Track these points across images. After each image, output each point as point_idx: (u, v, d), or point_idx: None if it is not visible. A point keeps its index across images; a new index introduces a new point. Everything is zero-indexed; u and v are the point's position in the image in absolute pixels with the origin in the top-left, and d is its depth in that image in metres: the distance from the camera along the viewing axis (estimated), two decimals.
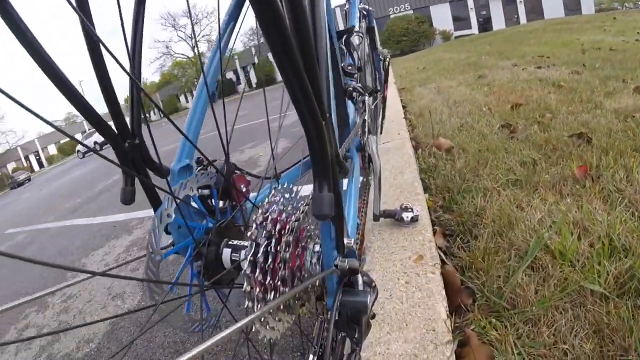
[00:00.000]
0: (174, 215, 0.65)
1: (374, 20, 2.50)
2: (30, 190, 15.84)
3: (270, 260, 0.62)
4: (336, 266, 0.70)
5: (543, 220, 1.33)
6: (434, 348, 0.91)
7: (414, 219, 1.49)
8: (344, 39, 1.54)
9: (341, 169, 0.57)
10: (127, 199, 0.67)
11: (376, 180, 1.51)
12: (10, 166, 46.07)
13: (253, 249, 0.61)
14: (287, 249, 0.65)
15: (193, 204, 0.74)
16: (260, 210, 0.64)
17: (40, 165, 48.05)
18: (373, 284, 0.77)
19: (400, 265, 1.28)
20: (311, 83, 0.43)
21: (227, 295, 0.86)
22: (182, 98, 51.97)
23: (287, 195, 0.71)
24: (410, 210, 1.51)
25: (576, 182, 1.56)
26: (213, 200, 0.77)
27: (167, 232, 0.72)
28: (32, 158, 49.40)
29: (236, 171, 0.83)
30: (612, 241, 1.15)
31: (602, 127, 2.11)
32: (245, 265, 0.59)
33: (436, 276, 1.16)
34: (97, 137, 27.38)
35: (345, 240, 0.70)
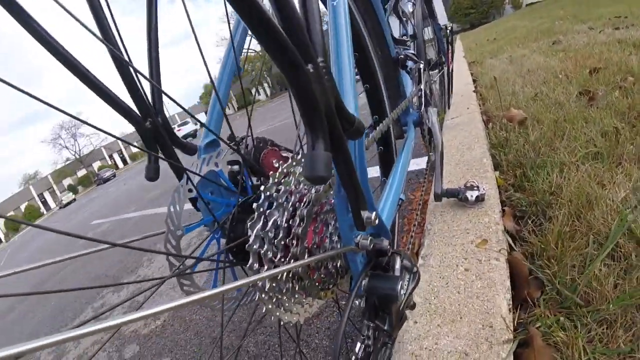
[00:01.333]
0: (194, 192, 0.64)
1: None
2: (114, 186, 17.00)
3: (281, 234, 0.56)
4: (357, 245, 0.62)
5: (627, 199, 1.15)
6: (489, 347, 0.79)
7: (480, 198, 1.35)
8: (391, 2, 1.42)
9: (350, 128, 0.47)
10: (150, 175, 0.67)
11: (437, 156, 1.38)
12: (96, 165, 49.59)
13: (261, 221, 0.55)
14: (301, 223, 0.59)
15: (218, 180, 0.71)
16: (274, 182, 0.58)
17: (124, 162, 51.27)
18: (415, 269, 0.69)
19: (461, 250, 1.16)
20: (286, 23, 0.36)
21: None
22: (253, 91, 54.13)
23: None
24: (475, 188, 1.37)
25: None
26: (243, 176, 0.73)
27: (197, 209, 0.73)
28: (116, 156, 52.76)
29: (268, 147, 0.79)
30: None
31: None
32: (251, 238, 0.54)
33: (500, 263, 1.03)
34: (177, 133, 29.32)
35: (365, 215, 0.60)
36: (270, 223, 0.55)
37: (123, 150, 53.24)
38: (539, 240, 1.13)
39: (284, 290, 0.59)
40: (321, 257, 0.58)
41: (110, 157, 52.46)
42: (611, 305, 0.84)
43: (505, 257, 1.06)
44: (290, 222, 0.57)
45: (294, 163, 0.62)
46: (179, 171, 0.67)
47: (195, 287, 0.65)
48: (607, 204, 1.14)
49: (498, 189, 1.48)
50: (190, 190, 0.64)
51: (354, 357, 0.64)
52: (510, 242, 1.17)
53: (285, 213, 0.57)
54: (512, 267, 1.02)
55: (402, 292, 0.64)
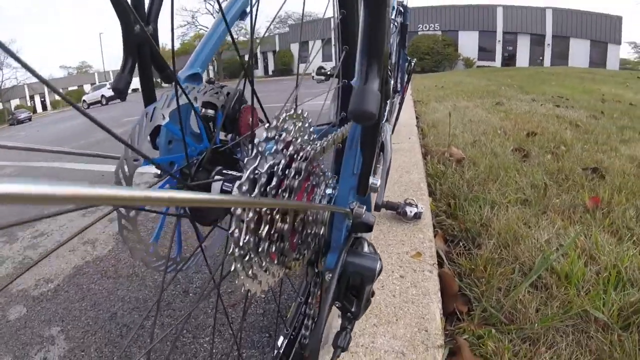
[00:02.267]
0: (167, 119, 0.55)
1: (409, 19, 2.44)
2: (27, 130, 15.76)
3: (274, 182, 0.50)
4: (351, 210, 0.60)
5: (550, 242, 1.27)
6: (425, 350, 0.84)
7: (417, 216, 1.43)
8: None
9: (387, 89, 0.47)
10: (120, 87, 0.58)
11: (385, 169, 1.44)
12: (14, 103, 45.63)
13: (257, 161, 0.47)
14: (296, 177, 0.53)
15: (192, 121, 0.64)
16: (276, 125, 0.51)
17: (44, 107, 47.52)
18: (379, 257, 0.63)
19: (396, 258, 1.21)
20: None
21: (207, 234, 0.71)
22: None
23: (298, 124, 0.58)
24: (414, 206, 1.44)
25: (586, 212, 1.50)
26: (216, 122, 0.66)
27: (155, 147, 0.63)
28: (37, 99, 48.73)
29: (249, 103, 0.71)
30: (619, 273, 1.09)
31: (616, 168, 2.05)
32: (243, 177, 0.46)
33: (433, 275, 1.09)
34: (105, 91, 26.62)
35: (372, 180, 0.61)
36: (266, 166, 0.48)
37: (46, 94, 49.39)
38: (468, 262, 1.22)
39: (259, 249, 0.51)
40: (315, 207, 0.57)
41: (32, 97, 48.33)
42: (536, 325, 0.92)
43: (437, 270, 1.13)
44: (285, 172, 0.53)
45: (296, 116, 0.57)
46: (150, 94, 0.62)
47: (135, 231, 0.52)
48: (532, 242, 1.25)
49: (431, 212, 1.57)
50: (163, 117, 0.54)
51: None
52: (443, 257, 1.25)
53: (282, 161, 0.51)
54: (443, 281, 1.09)
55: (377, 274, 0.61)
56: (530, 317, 0.96)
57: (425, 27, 30.24)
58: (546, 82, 9.33)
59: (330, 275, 0.59)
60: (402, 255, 1.22)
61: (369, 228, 0.62)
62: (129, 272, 1.76)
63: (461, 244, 1.39)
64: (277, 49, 41.12)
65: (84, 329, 1.45)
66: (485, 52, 31.34)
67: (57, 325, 1.52)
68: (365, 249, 0.64)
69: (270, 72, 41.89)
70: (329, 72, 1.57)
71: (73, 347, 1.33)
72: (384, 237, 1.37)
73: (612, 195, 1.66)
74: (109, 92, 26.27)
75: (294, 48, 39.43)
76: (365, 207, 0.62)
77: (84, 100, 28.49)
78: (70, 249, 2.09)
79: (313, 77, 1.58)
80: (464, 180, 1.92)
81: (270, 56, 43.37)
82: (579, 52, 30.88)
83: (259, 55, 44.36)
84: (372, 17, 0.41)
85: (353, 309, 0.61)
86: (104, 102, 26.23)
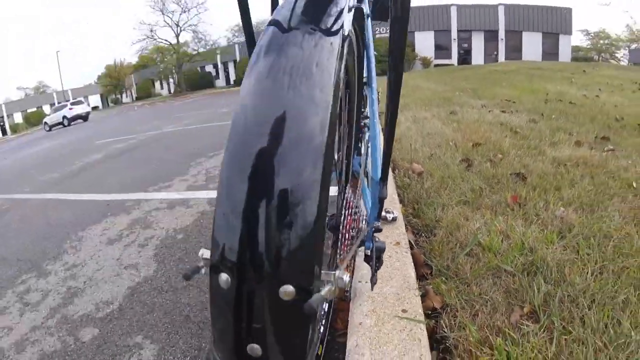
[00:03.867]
0: None
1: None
2: None
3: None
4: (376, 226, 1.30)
5: (480, 228, 2.03)
6: (409, 291, 1.57)
7: (394, 219, 2.16)
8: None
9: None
10: None
11: None
12: None
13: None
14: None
15: None
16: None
17: (4, 132, 46.23)
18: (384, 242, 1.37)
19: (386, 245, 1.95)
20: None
21: None
22: (157, 84, 51.63)
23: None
24: (391, 212, 2.18)
25: (507, 207, 2.27)
26: None
27: None
28: None
29: None
30: (523, 244, 1.84)
31: (538, 170, 2.85)
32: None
33: (408, 254, 1.83)
34: (67, 112, 26.11)
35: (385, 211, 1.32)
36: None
37: (5, 118, 47.69)
38: (429, 245, 1.97)
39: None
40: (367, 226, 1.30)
41: None
42: (469, 275, 1.67)
43: (410, 252, 1.86)
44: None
45: None
46: None
47: None
48: (468, 229, 2.02)
49: (403, 215, 2.32)
50: None
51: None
52: (413, 244, 1.99)
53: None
54: (414, 257, 1.83)
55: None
56: (466, 272, 1.70)
57: (382, 30, 31.43)
58: (498, 84, 10.37)
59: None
60: (388, 244, 1.96)
61: (379, 230, 1.32)
62: (184, 284, 2.18)
63: (423, 234, 2.14)
64: (238, 58, 41.31)
65: (166, 331, 1.80)
66: (442, 50, 32.78)
67: (138, 334, 1.82)
68: (379, 239, 1.37)
69: (231, 82, 42.02)
70: None
71: (162, 346, 1.72)
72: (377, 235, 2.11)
73: (528, 192, 2.44)
74: (70, 113, 26.22)
75: None
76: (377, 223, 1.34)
77: (46, 122, 28.23)
78: (115, 274, 2.47)
79: None
80: (424, 190, 2.68)
81: (231, 66, 43.37)
82: (532, 44, 32.64)
83: (219, 65, 44.35)
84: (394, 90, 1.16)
85: (377, 265, 1.30)
86: (66, 124, 25.99)
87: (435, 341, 1.40)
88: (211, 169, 4.98)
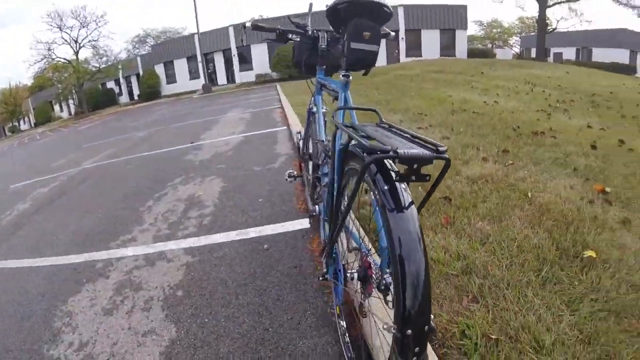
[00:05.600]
0: None
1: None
2: None
3: None
4: None
5: (427, 244, 2.97)
6: None
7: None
8: None
9: None
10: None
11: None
12: None
13: None
14: None
15: None
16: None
17: None
18: None
19: None
20: None
21: None
22: (56, 107, 48.97)
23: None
24: None
25: (443, 226, 3.24)
26: None
27: None
28: None
29: None
30: (459, 254, 2.79)
31: (458, 191, 3.86)
32: None
33: None
34: None
35: None
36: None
37: None
38: None
39: None
40: None
41: None
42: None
43: None
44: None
45: None
46: None
47: None
48: None
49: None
50: None
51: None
52: None
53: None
54: None
55: None
56: None
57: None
58: (407, 93, 11.51)
59: None
60: None
61: None
62: (214, 336, 2.45)
63: None
64: (141, 72, 40.61)
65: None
66: None
67: (203, 317, 2.54)
68: None
69: (135, 98, 41.26)
70: None
71: None
72: None
73: (455, 212, 3.43)
74: None
75: (159, 69, 39.35)
76: None
77: None
78: (137, 344, 2.48)
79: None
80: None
81: (134, 80, 42.48)
82: (431, 41, 35.46)
83: (121, 80, 43.22)
84: None
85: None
86: None
87: None
88: (167, 213, 4.81)
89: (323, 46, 2.57)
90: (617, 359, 1.80)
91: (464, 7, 35.82)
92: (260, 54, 35.84)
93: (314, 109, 2.96)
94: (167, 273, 3.28)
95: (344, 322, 2.11)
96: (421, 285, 1.16)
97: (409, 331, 1.15)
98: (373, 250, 2.01)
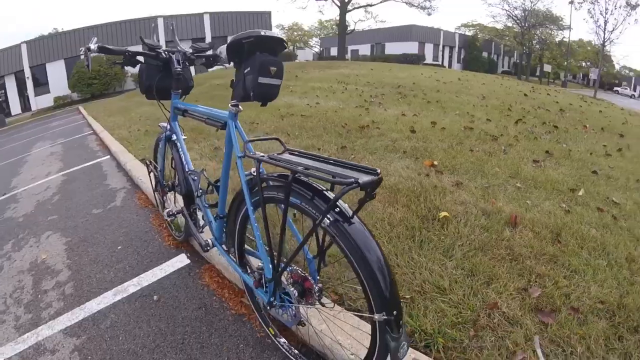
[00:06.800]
0: None
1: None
2: None
3: None
4: None
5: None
6: None
7: None
8: None
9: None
10: None
11: None
12: None
13: None
14: None
15: None
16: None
17: None
18: None
19: None
20: None
21: None
22: None
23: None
24: None
25: None
26: None
27: None
28: None
29: None
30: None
31: None
32: None
33: None
34: None
35: None
36: None
37: None
38: None
39: None
40: None
41: None
42: None
43: None
44: None
45: None
46: None
47: None
48: None
49: None
50: None
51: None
52: None
53: None
54: None
55: None
56: None
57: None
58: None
59: None
60: None
61: None
62: None
63: None
64: None
65: None
66: None
67: None
68: None
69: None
70: None
71: None
72: None
73: None
74: None
75: None
76: None
77: None
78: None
79: None
80: None
81: None
82: None
83: None
84: None
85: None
86: None
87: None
88: (16, 293, 3.18)
89: (179, 69, 2.45)
90: (497, 278, 2.34)
91: (269, 13, 37.80)
92: (56, 73, 31.23)
93: (173, 137, 2.79)
94: None
95: (283, 339, 2.09)
96: (386, 272, 1.40)
97: (395, 311, 1.38)
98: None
